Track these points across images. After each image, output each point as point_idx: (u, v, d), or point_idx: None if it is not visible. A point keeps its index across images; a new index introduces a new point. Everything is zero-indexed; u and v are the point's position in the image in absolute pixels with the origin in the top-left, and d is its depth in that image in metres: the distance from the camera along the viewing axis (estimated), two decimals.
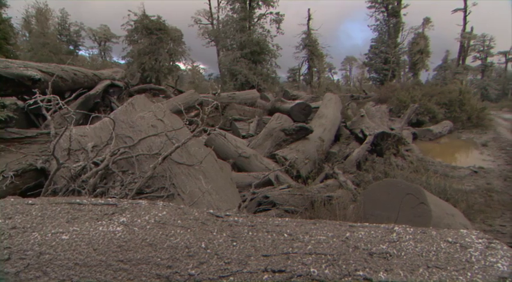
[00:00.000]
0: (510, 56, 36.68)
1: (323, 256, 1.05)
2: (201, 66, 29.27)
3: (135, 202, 1.30)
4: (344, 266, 1.03)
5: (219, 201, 2.38)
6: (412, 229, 1.28)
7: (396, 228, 1.28)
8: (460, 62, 31.45)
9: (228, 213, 1.31)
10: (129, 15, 19.21)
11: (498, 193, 5.59)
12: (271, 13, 23.61)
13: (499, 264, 1.12)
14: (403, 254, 1.12)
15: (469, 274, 1.08)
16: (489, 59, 36.40)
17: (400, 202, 3.55)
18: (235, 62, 20.20)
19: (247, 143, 6.80)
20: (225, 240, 1.09)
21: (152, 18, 18.99)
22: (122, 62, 22.04)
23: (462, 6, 28.88)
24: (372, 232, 1.22)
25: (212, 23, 26.99)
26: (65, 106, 2.34)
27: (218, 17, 26.18)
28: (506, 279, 1.07)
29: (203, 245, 1.06)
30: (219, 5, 25.59)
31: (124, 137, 2.99)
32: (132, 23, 19.25)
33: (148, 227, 1.09)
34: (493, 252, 1.18)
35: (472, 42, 32.62)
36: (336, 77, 42.07)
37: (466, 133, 12.94)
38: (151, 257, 0.99)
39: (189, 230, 1.13)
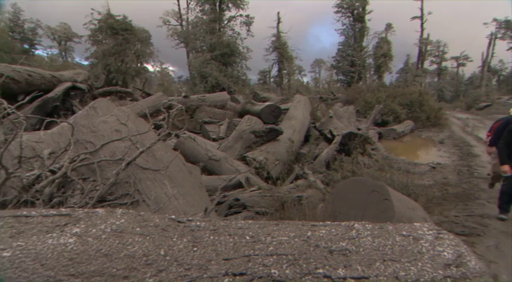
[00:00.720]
0: (461, 61, 39.82)
1: (284, 256, 1.07)
2: (171, 68, 28.60)
3: (92, 211, 1.23)
4: (305, 265, 1.05)
5: (186, 206, 2.33)
6: (370, 225, 1.34)
7: (356, 225, 1.33)
8: (419, 65, 33.57)
9: (190, 218, 1.29)
10: (92, 13, 18.36)
11: (453, 186, 6.00)
12: (241, 15, 23.74)
13: (445, 253, 1.21)
14: (361, 249, 1.17)
15: (420, 264, 1.15)
16: (444, 64, 39.36)
17: (366, 199, 3.69)
18: (206, 64, 20.01)
19: (217, 146, 6.75)
20: (185, 246, 1.07)
21: (117, 17, 18.27)
22: (85, 63, 20.89)
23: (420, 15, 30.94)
24: (333, 230, 1.26)
25: (181, 24, 26.49)
26: (13, 110, 2.17)
27: (187, 18, 25.74)
28: (451, 266, 1.15)
29: (162, 252, 1.03)
30: (188, 6, 25.22)
31: (85, 142, 2.83)
32: (96, 22, 18.40)
33: (104, 236, 1.04)
34: (440, 242, 1.27)
35: (429, 48, 35.00)
36: (305, 79, 43.15)
37: (426, 132, 13.82)
38: (106, 268, 0.94)
39: (148, 238, 1.09)
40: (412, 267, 1.13)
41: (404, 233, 1.30)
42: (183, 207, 2.30)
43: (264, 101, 11.32)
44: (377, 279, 1.06)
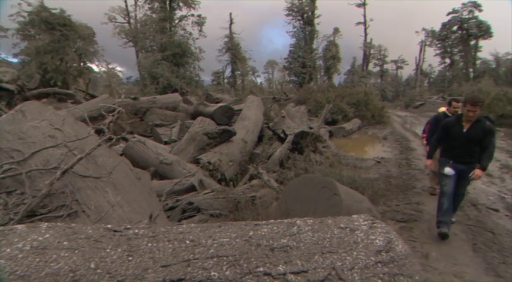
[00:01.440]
0: (399, 64, 43.90)
1: (225, 258, 1.06)
2: (118, 68, 26.76)
3: (9, 228, 1.10)
4: (245, 265, 1.05)
5: (132, 213, 2.20)
6: (311, 220, 1.39)
7: (298, 221, 1.38)
8: (364, 67, 36.18)
9: (128, 226, 1.22)
10: (20, 4, 16.25)
11: (395, 178, 6.52)
12: (192, 15, 23.28)
13: (377, 240, 1.30)
14: (301, 245, 1.21)
15: (355, 253, 1.22)
16: (385, 66, 43.04)
17: (316, 195, 3.85)
18: (156, 64, 19.20)
19: (169, 149, 6.52)
20: (119, 256, 1.01)
21: (54, 11, 16.47)
22: (14, 60, 18.30)
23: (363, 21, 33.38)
24: (275, 228, 1.28)
25: (129, 22, 25.08)
26: None
27: (136, 15, 24.46)
28: (382, 252, 1.25)
29: (92, 266, 0.95)
30: (136, 2, 23.95)
31: (10, 150, 2.53)
32: (26, 14, 16.41)
33: (20, 256, 0.93)
34: (374, 231, 1.37)
35: (372, 51, 37.93)
36: (259, 80, 43.79)
37: (371, 129, 14.84)
38: None
39: (76, 251, 1.00)
40: (348, 257, 1.20)
41: (342, 225, 1.38)
42: (128, 215, 2.17)
43: (217, 102, 11.22)
44: (315, 271, 1.10)
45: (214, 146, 6.09)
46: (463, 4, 35.28)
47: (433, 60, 40.88)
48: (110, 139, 2.55)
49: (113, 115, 2.71)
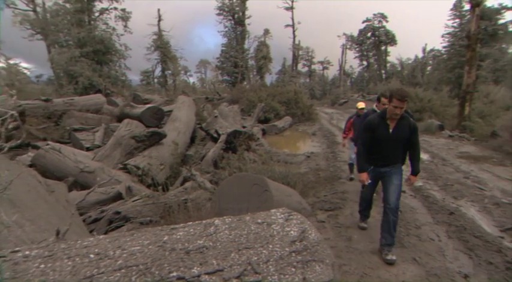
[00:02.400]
0: (325, 65, 47.82)
1: (134, 268, 1.00)
2: (24, 64, 22.67)
3: None
4: (157, 272, 1.01)
5: (35, 233, 1.92)
6: (229, 219, 1.41)
7: (216, 221, 1.38)
8: (294, 67, 38.27)
9: (17, 248, 1.06)
10: None
11: (323, 171, 7.00)
12: (115, 8, 21.40)
13: (292, 231, 1.38)
14: (218, 244, 1.22)
15: (271, 246, 1.28)
16: (313, 66, 46.39)
17: (248, 193, 3.93)
18: (74, 61, 17.12)
19: (92, 156, 5.93)
20: None
21: None
22: None
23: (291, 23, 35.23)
24: (191, 230, 1.26)
25: (35, 11, 21.51)
26: None
27: (44, 3, 21.09)
28: (296, 242, 1.33)
29: None
30: None
31: None
32: None
33: None
34: (289, 223, 1.45)
35: (300, 52, 40.41)
36: (191, 80, 42.86)
37: (302, 126, 15.74)
38: None
39: None
40: (264, 251, 1.25)
41: (259, 220, 1.42)
42: (30, 235, 1.89)
43: (146, 103, 10.59)
44: (231, 269, 1.11)
45: (143, 149, 5.75)
46: (374, 14, 40.45)
47: (353, 62, 45.91)
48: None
49: (3, 120, 2.31)
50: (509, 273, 2.86)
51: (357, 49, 43.29)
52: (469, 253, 3.25)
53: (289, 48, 36.72)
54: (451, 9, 28.06)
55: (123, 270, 0.98)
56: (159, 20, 25.81)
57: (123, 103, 9.19)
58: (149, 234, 1.20)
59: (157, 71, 27.64)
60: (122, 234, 1.19)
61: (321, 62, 47.45)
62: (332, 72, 49.55)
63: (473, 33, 11.38)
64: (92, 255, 1.02)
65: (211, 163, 6.20)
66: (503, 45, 24.01)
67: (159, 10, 25.87)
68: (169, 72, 26.27)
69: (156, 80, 28.31)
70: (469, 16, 13.74)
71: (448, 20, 28.09)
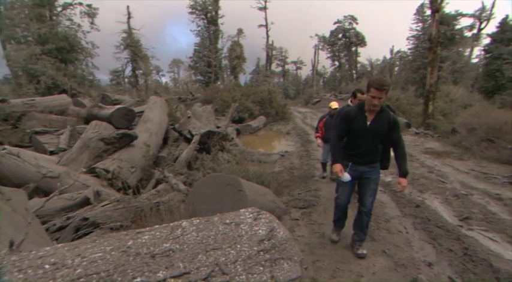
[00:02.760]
0: (298, 65, 48.69)
1: (95, 276, 0.97)
2: None
3: None
4: (120, 279, 0.98)
5: None
6: (197, 220, 1.40)
7: (184, 223, 1.36)
8: (268, 67, 38.56)
9: None
10: None
11: (297, 169, 7.08)
12: (80, 4, 20.37)
13: (260, 231, 1.40)
14: (185, 246, 1.20)
15: (239, 246, 1.28)
16: (286, 66, 47.05)
17: (222, 193, 3.91)
18: (35, 59, 16.06)
19: (57, 160, 5.62)
20: None
21: None
22: None
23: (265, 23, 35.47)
24: (157, 233, 1.24)
25: None
26: None
27: None
28: (264, 240, 1.35)
29: None
30: None
31: None
32: None
33: None
34: (258, 222, 1.46)
35: (274, 52, 40.81)
36: (164, 80, 41.92)
37: (276, 125, 15.87)
38: None
39: None
40: (232, 251, 1.25)
41: (227, 221, 1.43)
42: None
43: (115, 104, 10.18)
44: (198, 271, 1.11)
45: (113, 152, 5.52)
46: (344, 16, 41.77)
47: (326, 62, 47.19)
48: None
49: None
50: (466, 258, 3.09)
51: (329, 50, 44.46)
52: (433, 242, 3.46)
53: (262, 48, 37.05)
54: (415, 14, 29.66)
55: (82, 280, 0.94)
56: (129, 18, 24.92)
57: (91, 104, 8.76)
58: (112, 239, 1.16)
59: (128, 71, 26.71)
60: (82, 241, 1.14)
61: (295, 62, 48.37)
62: (305, 72, 50.68)
63: (434, 37, 12.10)
64: (47, 266, 0.97)
65: (185, 164, 6.09)
66: (460, 49, 25.83)
67: (128, 7, 24.99)
68: (141, 71, 25.46)
69: (126, 80, 27.29)
70: (430, 21, 14.58)
71: (412, 23, 29.70)
